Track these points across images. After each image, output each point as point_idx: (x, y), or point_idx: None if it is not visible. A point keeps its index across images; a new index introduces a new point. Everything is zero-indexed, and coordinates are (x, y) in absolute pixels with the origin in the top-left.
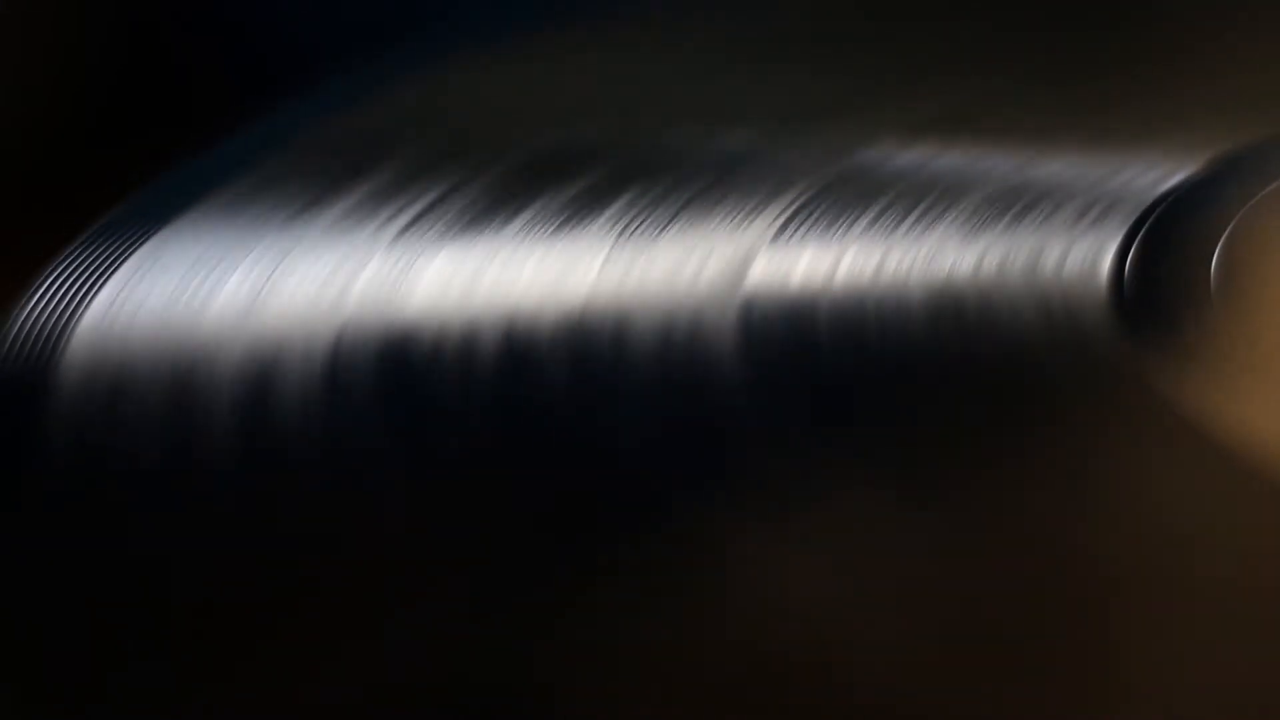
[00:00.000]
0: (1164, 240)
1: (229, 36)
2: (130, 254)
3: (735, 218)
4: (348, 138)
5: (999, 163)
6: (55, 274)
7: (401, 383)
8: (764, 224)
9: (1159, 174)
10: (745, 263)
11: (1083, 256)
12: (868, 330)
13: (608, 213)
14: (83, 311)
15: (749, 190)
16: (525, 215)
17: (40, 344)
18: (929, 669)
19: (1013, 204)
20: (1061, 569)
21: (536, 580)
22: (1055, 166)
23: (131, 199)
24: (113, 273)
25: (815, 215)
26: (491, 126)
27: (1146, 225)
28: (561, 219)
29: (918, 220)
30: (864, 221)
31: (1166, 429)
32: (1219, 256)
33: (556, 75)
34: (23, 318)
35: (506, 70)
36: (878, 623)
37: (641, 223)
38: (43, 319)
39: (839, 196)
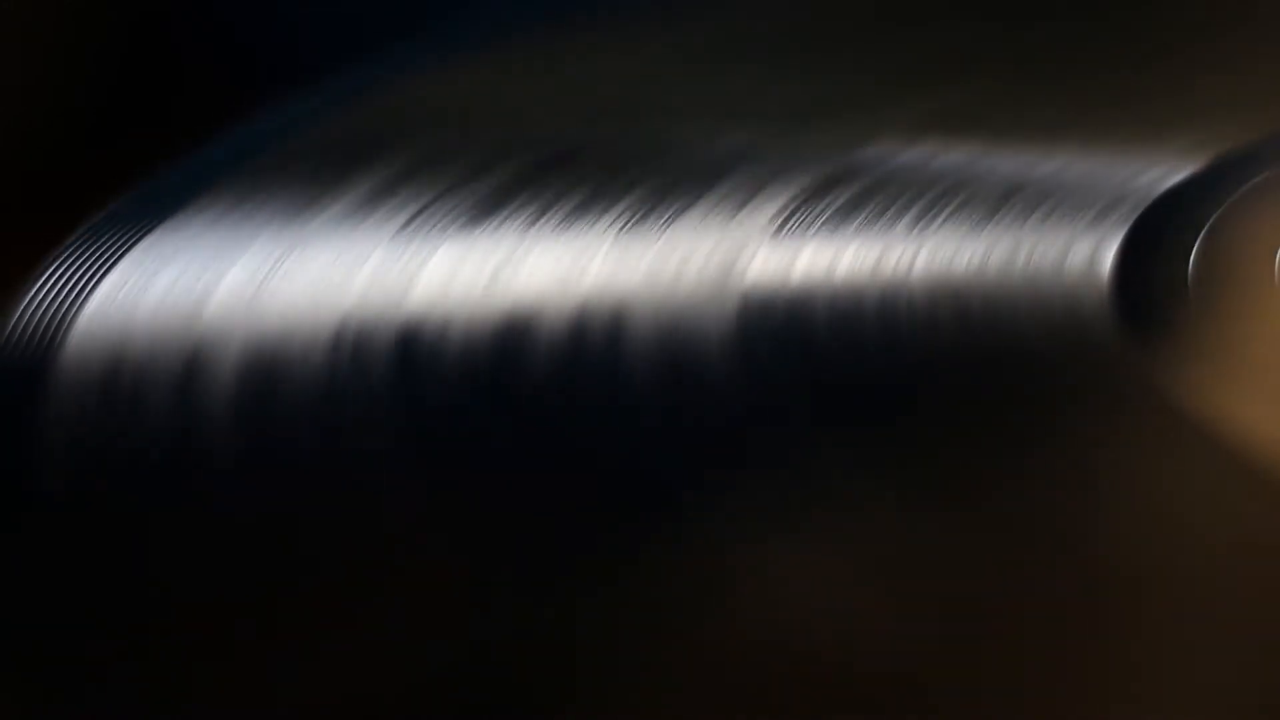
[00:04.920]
0: (1164, 240)
1: (230, 33)
2: (132, 246)
3: (735, 214)
4: (350, 133)
5: (999, 161)
6: (57, 266)
7: (402, 378)
8: (763, 221)
9: (1159, 174)
10: (745, 260)
11: (1083, 256)
12: (867, 328)
13: (608, 209)
14: (84, 304)
15: (749, 187)
16: (526, 212)
17: (42, 336)
18: (928, 666)
19: (1013, 203)
20: (1061, 567)
21: (536, 578)
22: (1056, 165)
23: (133, 192)
24: (114, 265)
25: (815, 212)
26: (493, 123)
27: (1147, 224)
28: (562, 216)
29: (917, 218)
30: (863, 219)
31: (1166, 428)
32: (1206, 254)
33: (558, 72)
34: (25, 309)
35: (508, 67)
36: (877, 620)
37: (642, 219)
38: (45, 310)
39: (839, 194)
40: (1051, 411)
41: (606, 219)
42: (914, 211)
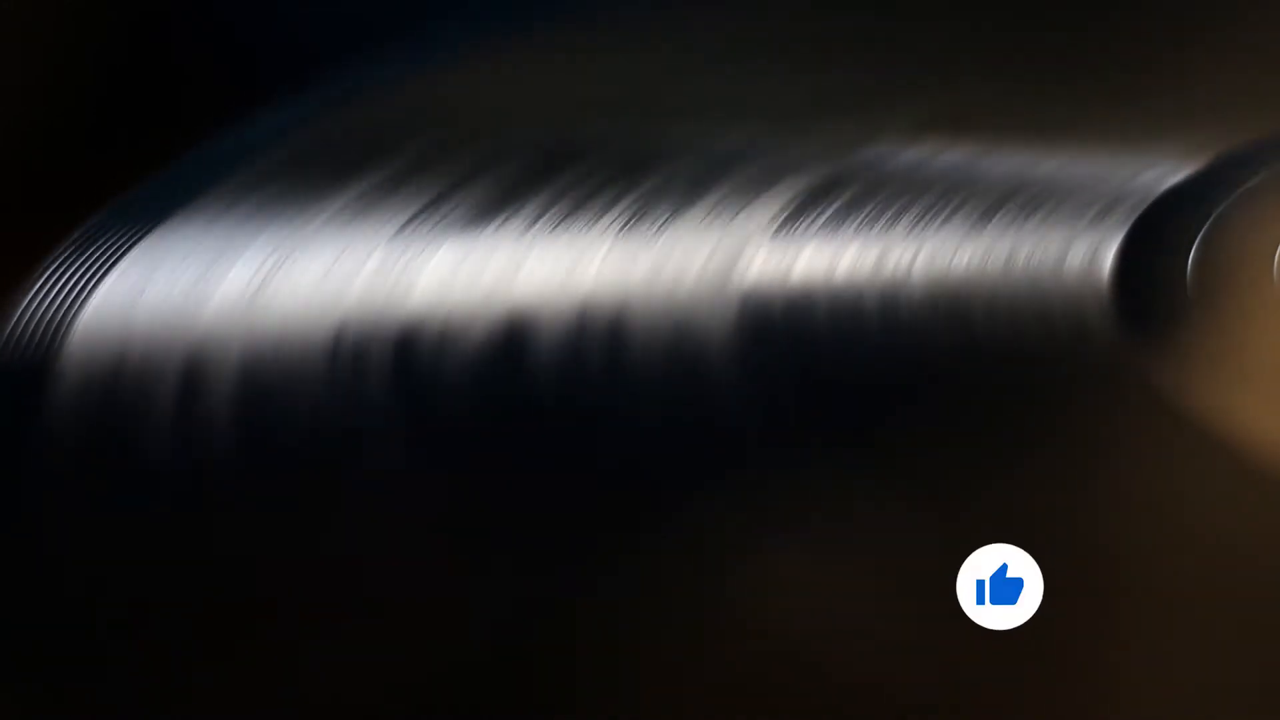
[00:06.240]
0: (1164, 240)
1: (229, 32)
2: (131, 247)
3: (735, 215)
4: (349, 134)
5: (999, 161)
6: (57, 267)
7: (401, 379)
8: (764, 221)
9: (1159, 173)
10: (745, 260)
11: (1082, 256)
12: (866, 329)
13: (608, 209)
14: (84, 304)
15: (749, 187)
16: (526, 211)
17: (42, 336)
18: (928, 665)
19: (1013, 203)
20: (1061, 567)
21: (535, 576)
22: (1055, 165)
23: (134, 192)
24: (115, 265)
25: (815, 212)
26: (492, 123)
27: (1147, 224)
28: (562, 215)
29: (918, 218)
30: (863, 219)
31: (1165, 428)
32: (1206, 254)
33: (557, 73)
34: (25, 310)
35: (508, 66)
36: (876, 620)
37: (642, 220)
38: (46, 310)
39: (839, 194)
40: (1051, 411)
41: (606, 219)
42: (914, 211)
